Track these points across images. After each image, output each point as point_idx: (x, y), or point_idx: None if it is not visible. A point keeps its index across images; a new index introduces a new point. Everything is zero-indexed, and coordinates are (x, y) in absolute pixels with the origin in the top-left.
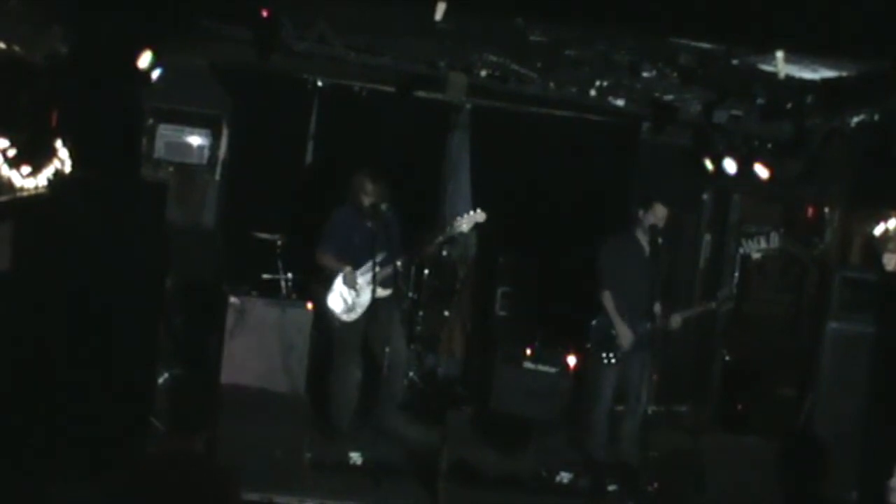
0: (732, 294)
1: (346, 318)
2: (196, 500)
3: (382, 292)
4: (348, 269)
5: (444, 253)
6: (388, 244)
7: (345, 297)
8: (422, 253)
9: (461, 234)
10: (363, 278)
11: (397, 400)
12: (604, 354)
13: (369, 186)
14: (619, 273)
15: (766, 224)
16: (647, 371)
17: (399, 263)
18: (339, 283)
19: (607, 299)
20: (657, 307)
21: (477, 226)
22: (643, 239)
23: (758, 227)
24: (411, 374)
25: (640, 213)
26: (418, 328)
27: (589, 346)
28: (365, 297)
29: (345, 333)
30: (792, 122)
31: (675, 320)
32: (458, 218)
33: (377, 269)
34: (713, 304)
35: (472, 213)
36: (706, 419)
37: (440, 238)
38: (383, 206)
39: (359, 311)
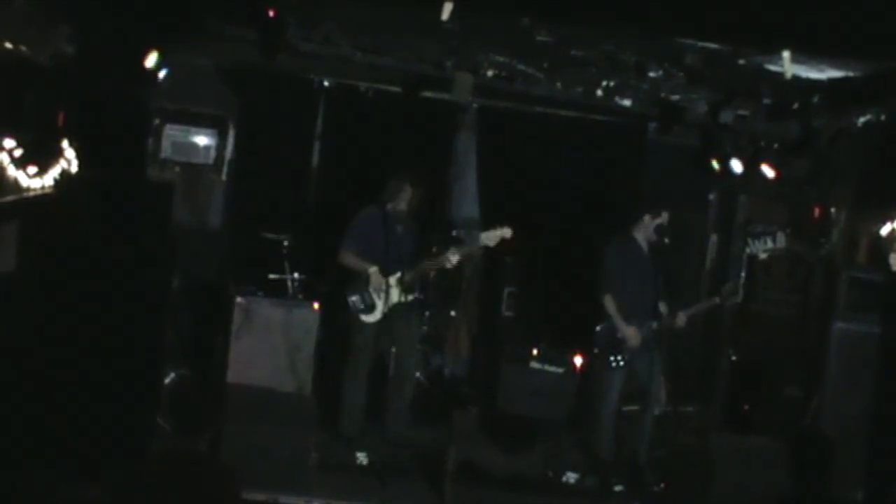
0: (737, 288)
1: (364, 318)
2: (197, 499)
3: (406, 297)
4: (374, 269)
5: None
6: (411, 249)
7: (365, 298)
8: (440, 265)
9: (485, 245)
10: (388, 281)
11: (405, 410)
12: (611, 358)
13: (409, 191)
14: (622, 275)
15: (772, 224)
16: (656, 371)
17: (413, 272)
18: (362, 282)
19: (609, 302)
20: (662, 306)
21: (482, 225)
22: (642, 240)
23: (764, 227)
24: (418, 374)
25: (647, 218)
26: (424, 328)
27: (596, 350)
28: (387, 300)
29: (360, 335)
30: (798, 122)
31: (681, 318)
32: (484, 233)
33: (400, 273)
34: (717, 300)
35: (499, 229)
36: (712, 419)
37: (462, 252)
38: (411, 212)
39: (378, 313)
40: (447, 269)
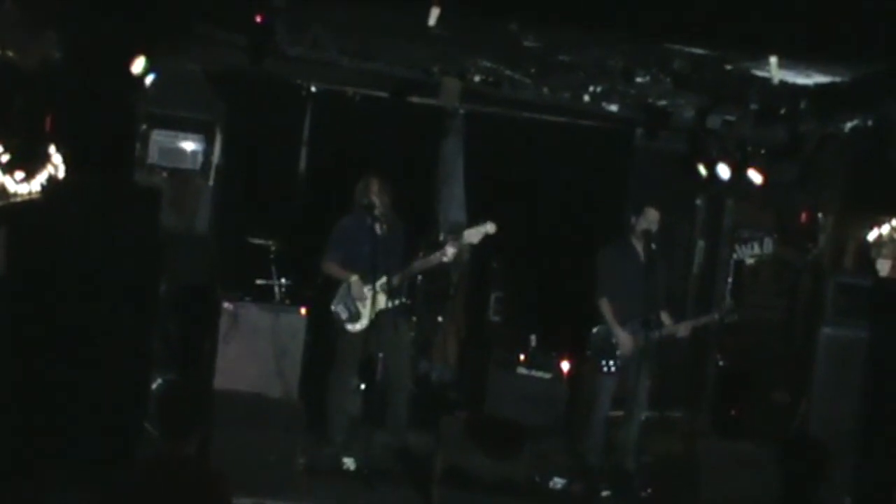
0: (735, 308)
1: (350, 327)
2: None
3: (390, 303)
4: (355, 278)
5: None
6: (397, 253)
7: (350, 307)
8: (427, 267)
9: (470, 245)
10: (374, 286)
11: (402, 417)
12: (603, 362)
13: (376, 189)
14: (617, 280)
15: (759, 229)
16: (642, 376)
17: (403, 275)
18: (345, 292)
19: (605, 306)
20: (664, 316)
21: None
22: (639, 245)
23: (751, 233)
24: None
25: (633, 219)
26: (412, 333)
27: (588, 353)
28: (371, 308)
29: (346, 343)
30: (785, 127)
31: (683, 329)
32: (467, 230)
33: (385, 278)
34: (716, 316)
35: (483, 225)
36: (700, 424)
37: (450, 251)
38: (392, 215)
39: (364, 321)
40: (434, 274)
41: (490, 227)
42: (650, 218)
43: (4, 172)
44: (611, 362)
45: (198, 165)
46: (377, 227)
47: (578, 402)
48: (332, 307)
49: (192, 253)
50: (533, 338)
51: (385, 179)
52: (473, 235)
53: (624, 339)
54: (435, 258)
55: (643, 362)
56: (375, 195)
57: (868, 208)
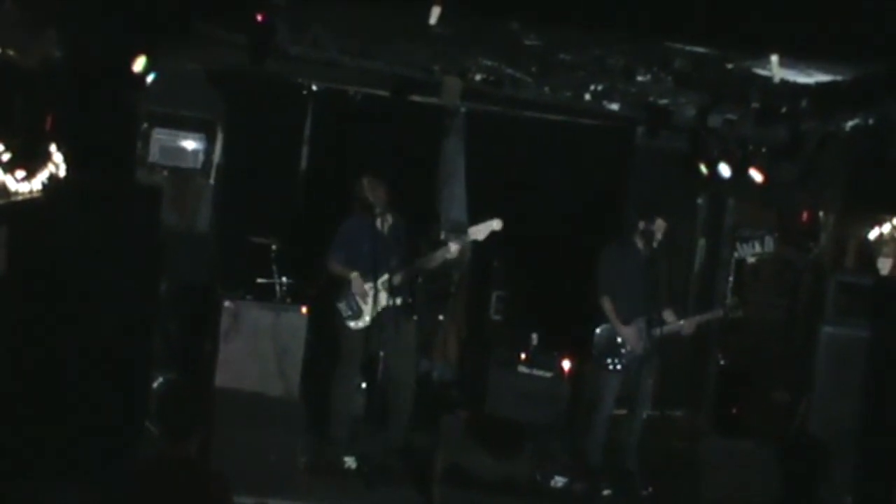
0: (740, 304)
1: (353, 325)
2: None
3: (392, 301)
4: (355, 275)
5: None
6: (398, 251)
7: (352, 304)
8: (429, 265)
9: (474, 241)
10: (374, 285)
11: (403, 416)
12: (609, 361)
13: (369, 187)
14: (619, 279)
15: (760, 228)
16: (645, 375)
17: (405, 273)
18: (348, 289)
19: (607, 305)
20: (668, 313)
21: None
22: (640, 243)
23: (752, 232)
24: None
25: (642, 224)
26: (414, 332)
27: (594, 352)
28: (373, 306)
29: (349, 341)
30: (787, 126)
31: (688, 326)
32: (472, 227)
33: (387, 275)
34: (721, 312)
35: (490, 221)
36: (701, 423)
37: (454, 248)
38: (391, 213)
39: (367, 318)
40: (435, 273)
41: (496, 224)
42: (657, 225)
43: (5, 171)
44: (616, 360)
45: (199, 164)
46: (377, 225)
47: (580, 401)
48: (337, 304)
49: (192, 251)
50: (534, 336)
51: (378, 176)
52: (479, 231)
53: (628, 334)
54: (440, 255)
55: (646, 360)
56: (369, 193)
57: (869, 207)
